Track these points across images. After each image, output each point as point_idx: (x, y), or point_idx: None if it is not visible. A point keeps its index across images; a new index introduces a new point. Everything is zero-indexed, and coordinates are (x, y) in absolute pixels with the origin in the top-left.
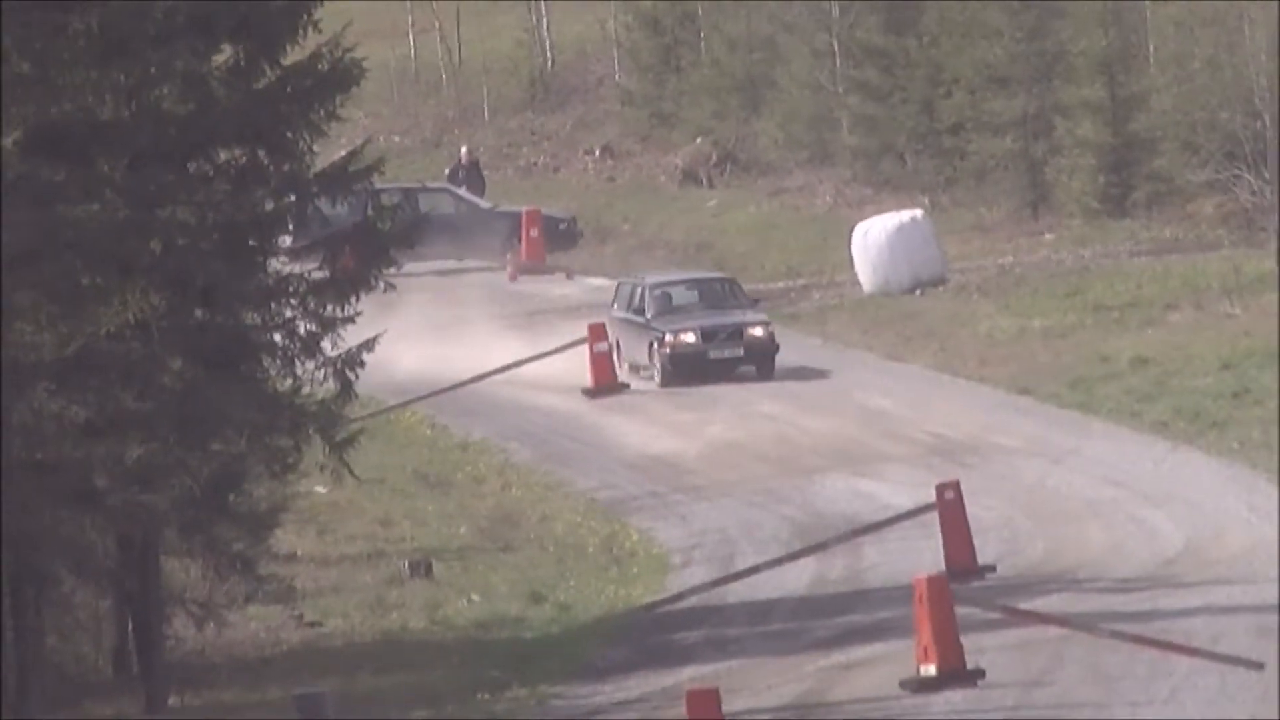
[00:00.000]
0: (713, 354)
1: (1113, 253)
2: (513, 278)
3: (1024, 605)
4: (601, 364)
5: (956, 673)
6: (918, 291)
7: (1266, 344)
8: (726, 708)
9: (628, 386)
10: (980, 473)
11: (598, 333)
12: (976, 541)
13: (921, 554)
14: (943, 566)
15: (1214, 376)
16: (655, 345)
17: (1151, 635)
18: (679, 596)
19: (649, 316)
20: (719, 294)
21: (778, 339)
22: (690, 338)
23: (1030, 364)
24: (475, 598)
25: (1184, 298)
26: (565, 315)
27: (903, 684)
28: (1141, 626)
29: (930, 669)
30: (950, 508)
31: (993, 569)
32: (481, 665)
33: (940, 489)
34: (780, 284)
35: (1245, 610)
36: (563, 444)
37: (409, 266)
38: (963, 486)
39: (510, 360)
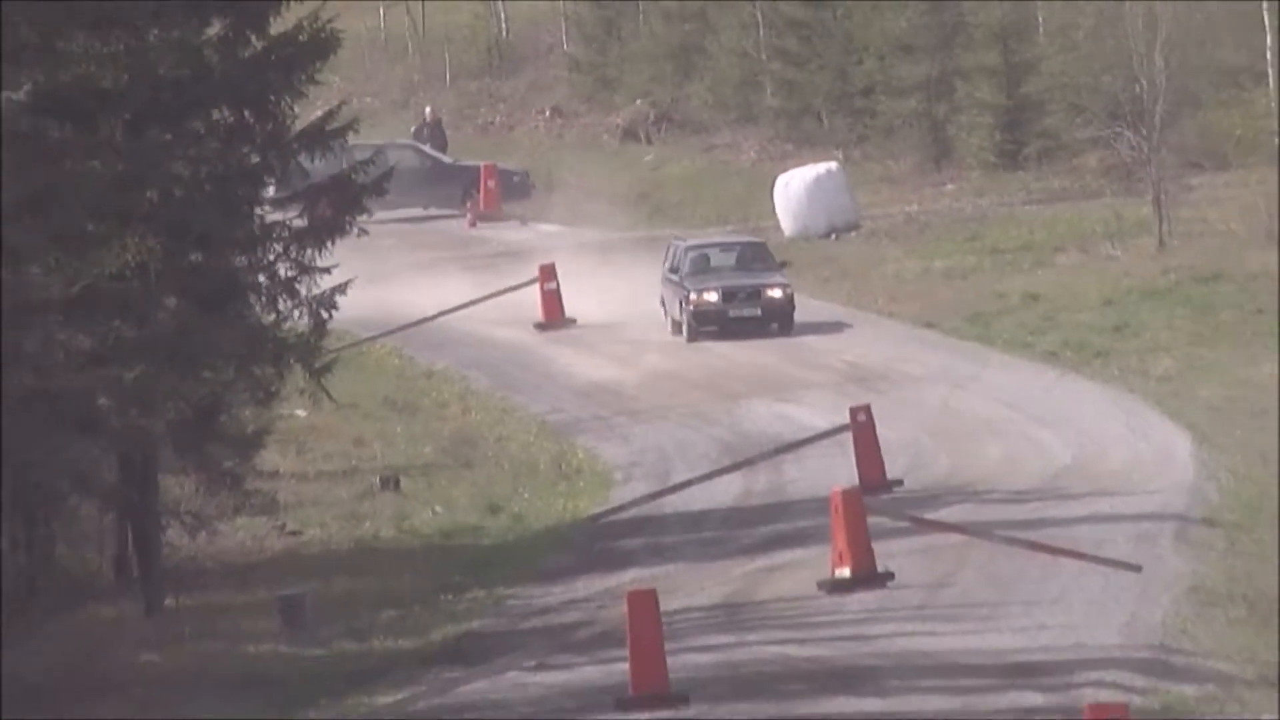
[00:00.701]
0: (732, 313)
1: (1007, 202)
2: (472, 224)
3: (929, 515)
4: (551, 301)
5: (868, 575)
6: (833, 236)
7: (1143, 282)
8: (663, 606)
9: (575, 322)
10: (890, 398)
11: (547, 273)
12: (886, 459)
13: (837, 470)
14: (856, 481)
15: (1097, 311)
16: (682, 303)
17: (1042, 541)
18: (621, 508)
19: (682, 276)
20: (748, 256)
21: (794, 299)
22: (712, 297)
23: (933, 301)
24: (439, 509)
25: (1070, 241)
26: (519, 258)
27: (820, 585)
28: (1033, 533)
29: (844, 572)
30: (863, 429)
31: (901, 483)
32: (444, 570)
33: (854, 412)
34: (711, 229)
35: (1125, 519)
36: (516, 373)
37: (379, 215)
38: (874, 410)
39: (469, 298)
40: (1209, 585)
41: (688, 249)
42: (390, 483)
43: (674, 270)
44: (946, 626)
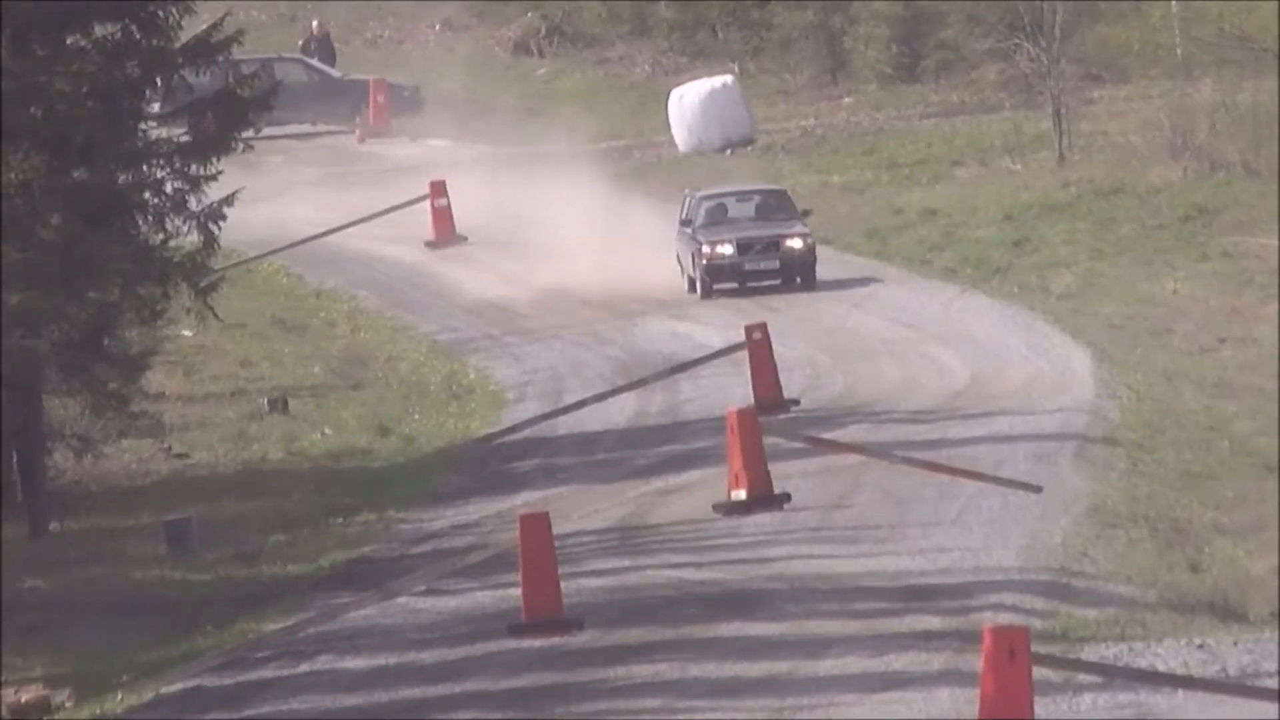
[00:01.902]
0: (748, 265)
1: (905, 115)
2: (361, 140)
3: (826, 435)
4: (441, 218)
5: (765, 497)
6: (728, 151)
7: (1043, 197)
8: (556, 530)
9: (466, 239)
10: (785, 316)
11: (438, 189)
12: (782, 378)
13: (732, 389)
14: (752, 400)
15: (996, 227)
16: (694, 256)
17: (940, 462)
18: (513, 429)
19: (695, 228)
20: (767, 206)
21: (815, 250)
22: (726, 249)
23: (830, 216)
24: (328, 431)
25: (969, 155)
26: (409, 174)
27: (716, 507)
28: (931, 454)
29: (741, 494)
30: (758, 347)
31: (797, 402)
32: (334, 492)
33: (749, 330)
34: (604, 145)
35: (1024, 438)
36: (407, 291)
37: (266, 130)
38: (769, 328)
39: (359, 215)
40: (1109, 506)
41: (702, 198)
42: (278, 404)
43: (687, 222)
44: (843, 549)
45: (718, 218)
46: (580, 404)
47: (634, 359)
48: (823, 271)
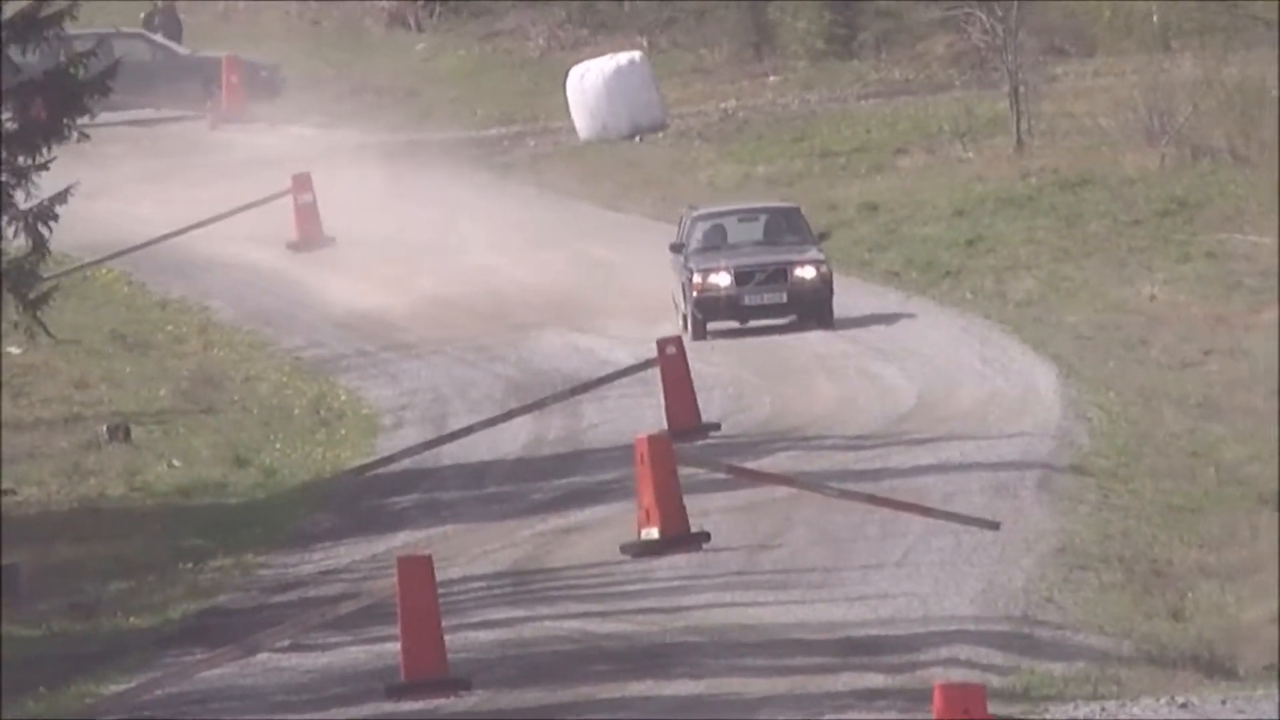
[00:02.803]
0: (749, 299)
1: (840, 96)
2: (213, 127)
3: (750, 464)
4: (306, 216)
5: (680, 536)
6: (636, 138)
7: (999, 188)
8: (440, 575)
9: (334, 239)
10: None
11: (302, 184)
12: (700, 399)
13: (643, 412)
14: (665, 425)
15: (946, 223)
16: (684, 288)
17: (883, 494)
18: (390, 459)
19: (688, 254)
20: (775, 227)
21: (833, 282)
22: (722, 280)
23: None
24: (176, 463)
25: (914, 141)
26: (269, 166)
27: (624, 548)
28: (873, 486)
29: (653, 532)
30: (672, 363)
31: (717, 427)
32: (183, 533)
33: (662, 344)
34: (493, 131)
35: (979, 467)
36: (266, 301)
37: (104, 116)
38: (685, 342)
39: (211, 214)
40: (1078, 545)
41: (697, 218)
42: (119, 432)
43: (680, 247)
44: (772, 595)
45: (715, 241)
46: (467, 430)
47: (528, 378)
48: None
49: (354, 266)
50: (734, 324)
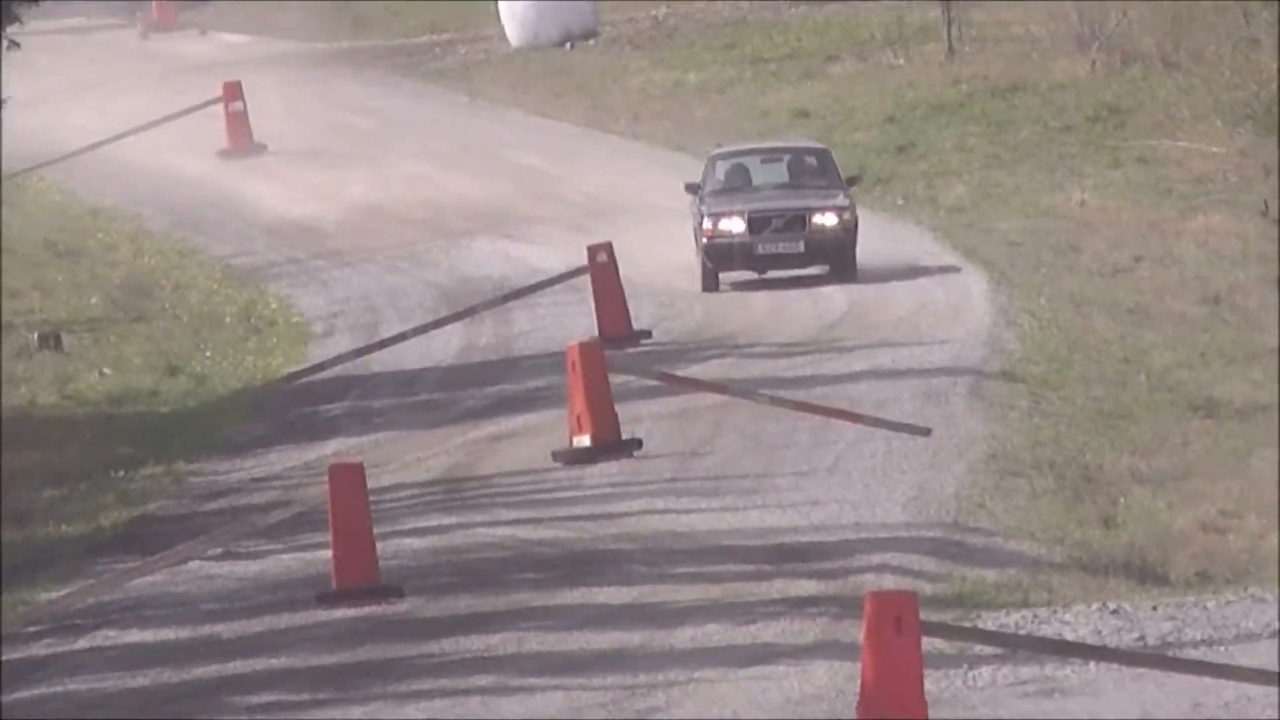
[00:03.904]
0: (762, 248)
1: (771, 3)
2: (144, 36)
3: (681, 372)
4: (237, 124)
5: (611, 443)
6: (567, 45)
7: (930, 95)
8: (372, 483)
9: (265, 147)
10: (635, 234)
11: (232, 92)
12: (631, 306)
13: (574, 320)
14: (596, 332)
15: (878, 130)
16: (696, 233)
17: (814, 402)
18: (321, 366)
19: (703, 195)
20: (800, 169)
21: (858, 230)
22: (734, 226)
23: (686, 120)
24: (107, 371)
25: (845, 49)
26: (199, 73)
27: (555, 455)
28: (804, 393)
29: (584, 440)
30: (603, 271)
31: (649, 334)
32: (115, 441)
33: (592, 251)
34: (424, 39)
35: (911, 374)
36: (197, 209)
37: (33, 25)
38: (616, 248)
39: (142, 122)
40: (1010, 451)
41: (716, 157)
42: (50, 340)
43: (696, 187)
44: (703, 502)
45: (734, 183)
46: (399, 338)
47: (459, 286)
48: (680, 185)
49: (285, 174)
50: (749, 274)
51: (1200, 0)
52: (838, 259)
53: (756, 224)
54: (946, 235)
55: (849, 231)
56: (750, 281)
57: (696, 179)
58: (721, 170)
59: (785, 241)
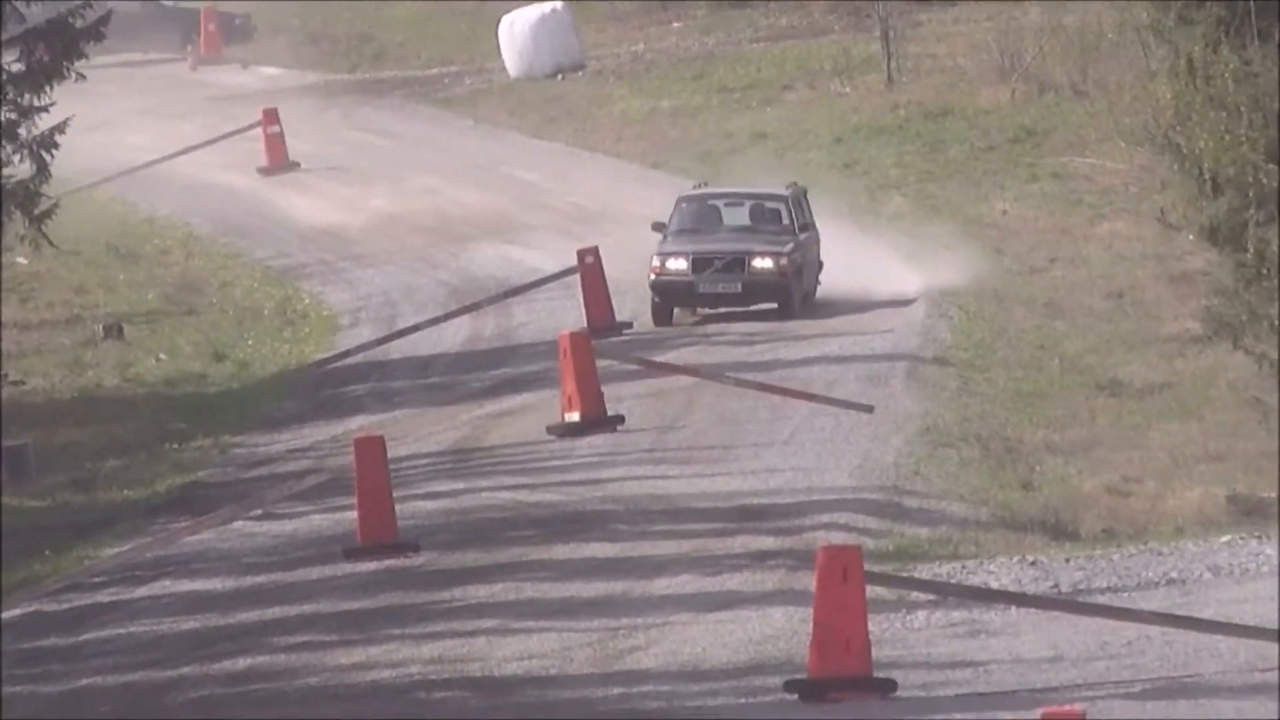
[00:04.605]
0: (703, 287)
1: (735, 39)
2: (193, 68)
3: (658, 357)
4: (274, 144)
5: (598, 419)
6: (559, 76)
7: (872, 119)
8: (391, 453)
9: (299, 165)
10: (617, 239)
11: (270, 117)
12: (615, 301)
13: (565, 313)
14: (585, 324)
15: (827, 149)
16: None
17: (773, 383)
18: (347, 353)
19: (666, 236)
20: (761, 214)
21: (801, 272)
22: (679, 265)
23: (661, 141)
24: (163, 357)
25: (799, 79)
26: (241, 102)
27: (550, 429)
28: (764, 375)
29: (574, 416)
30: (590, 271)
31: (629, 325)
32: (169, 418)
33: (581, 254)
34: (434, 70)
35: (857, 359)
36: (240, 218)
37: (98, 59)
38: (601, 252)
39: (192, 143)
40: (941, 425)
41: (682, 199)
42: (113, 330)
43: (662, 226)
44: (677, 470)
45: (694, 225)
46: (414, 328)
47: (466, 283)
48: (655, 197)
49: (316, 188)
50: (692, 310)
51: (1105, 36)
52: (775, 299)
53: (699, 264)
54: (887, 241)
55: (786, 276)
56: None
57: (663, 191)
58: (683, 212)
59: (725, 282)
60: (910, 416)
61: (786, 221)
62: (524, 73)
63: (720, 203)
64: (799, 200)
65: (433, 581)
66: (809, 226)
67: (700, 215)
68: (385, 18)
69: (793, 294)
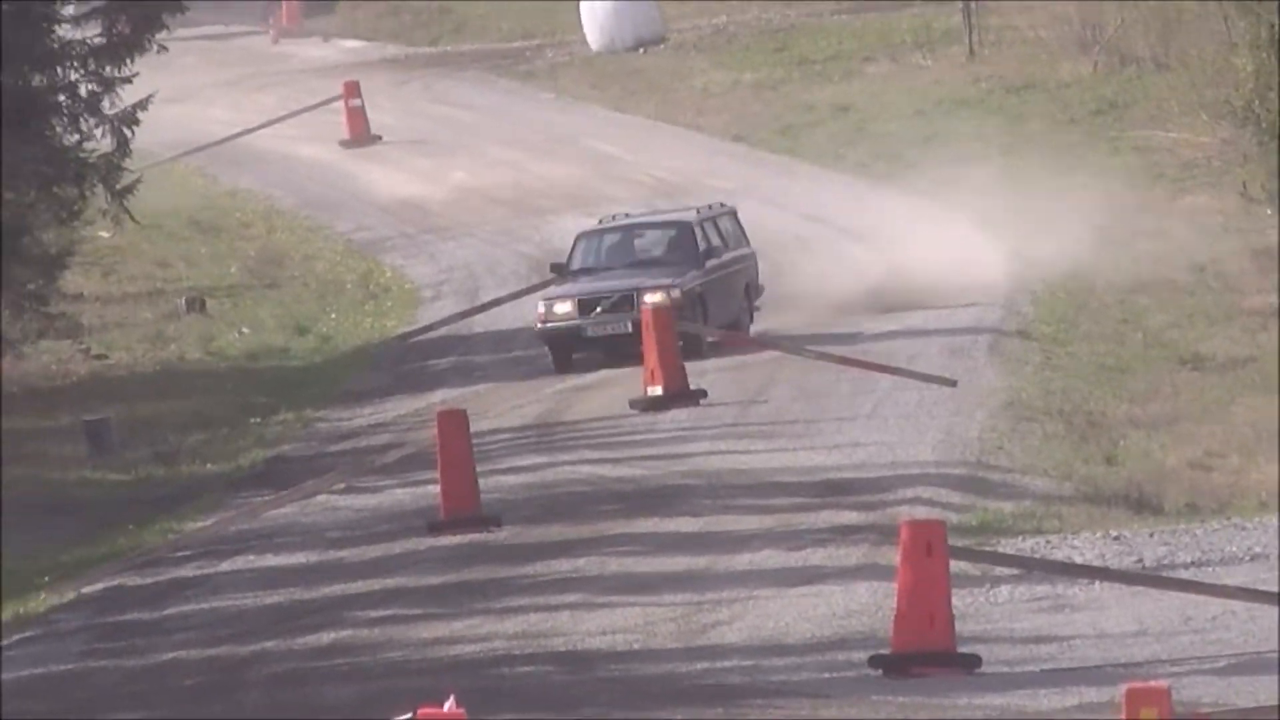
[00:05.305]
0: (591, 330)
1: (816, 11)
2: (274, 41)
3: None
4: (355, 117)
5: (680, 392)
6: (640, 49)
7: (953, 92)
8: (473, 427)
9: (380, 138)
10: None
11: (351, 89)
12: None
13: None
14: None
15: (908, 122)
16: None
17: (855, 356)
18: (429, 327)
19: (566, 273)
20: (664, 243)
21: (700, 306)
22: (564, 308)
23: (742, 113)
24: (245, 330)
25: (880, 51)
26: (323, 74)
27: (632, 403)
28: (846, 348)
29: (657, 389)
30: None
31: None
32: (251, 392)
33: None
34: (515, 44)
35: (938, 333)
36: (322, 191)
37: (179, 31)
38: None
39: (273, 116)
40: (1024, 400)
41: (580, 235)
42: (195, 304)
43: (561, 267)
44: (760, 444)
45: (600, 260)
46: (495, 302)
47: (547, 256)
48: (736, 169)
49: (397, 161)
50: (576, 353)
51: (1186, 2)
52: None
53: (585, 306)
54: (968, 214)
55: (681, 310)
56: (793, 250)
57: (745, 164)
58: (581, 249)
59: (613, 323)
60: (993, 390)
61: (700, 248)
62: (605, 46)
63: (617, 236)
64: (714, 223)
65: (515, 556)
66: (725, 250)
67: (601, 252)
68: None
69: (693, 330)
